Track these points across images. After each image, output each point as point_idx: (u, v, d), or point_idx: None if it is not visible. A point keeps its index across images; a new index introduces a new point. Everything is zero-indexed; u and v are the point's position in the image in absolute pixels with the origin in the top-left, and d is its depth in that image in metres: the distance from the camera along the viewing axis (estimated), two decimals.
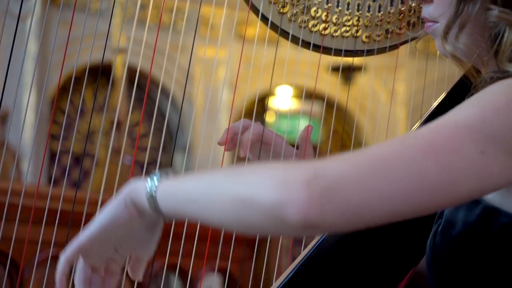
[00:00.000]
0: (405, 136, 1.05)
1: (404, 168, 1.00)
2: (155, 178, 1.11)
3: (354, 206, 0.97)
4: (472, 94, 1.18)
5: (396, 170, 1.00)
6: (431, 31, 1.33)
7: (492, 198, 1.19)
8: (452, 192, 1.02)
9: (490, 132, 1.04)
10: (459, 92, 1.51)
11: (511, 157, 1.05)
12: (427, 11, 1.33)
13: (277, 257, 2.72)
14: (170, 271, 3.50)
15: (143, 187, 1.12)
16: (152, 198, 1.11)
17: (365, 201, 0.98)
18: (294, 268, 1.55)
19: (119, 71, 7.71)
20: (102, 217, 1.17)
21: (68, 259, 1.19)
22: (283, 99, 10.11)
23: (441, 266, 1.25)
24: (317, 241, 1.55)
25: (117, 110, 2.62)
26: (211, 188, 1.04)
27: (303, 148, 1.63)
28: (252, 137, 1.58)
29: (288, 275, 1.55)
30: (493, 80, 1.19)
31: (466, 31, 1.26)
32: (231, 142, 1.58)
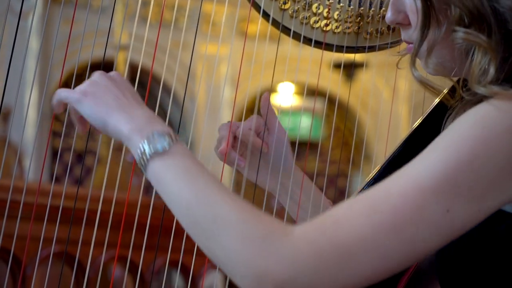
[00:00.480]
0: (369, 208, 1.06)
1: (367, 257, 1.03)
2: (164, 143, 1.11)
3: None
4: (449, 115, 1.23)
5: (361, 260, 1.03)
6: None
7: None
8: (416, 254, 1.06)
9: (455, 189, 1.05)
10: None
11: (480, 201, 1.07)
12: (407, 34, 1.31)
13: None
14: (172, 268, 3.51)
15: (138, 142, 1.12)
16: (143, 161, 1.12)
17: None
18: None
19: (121, 68, 7.72)
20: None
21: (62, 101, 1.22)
22: (285, 96, 10.11)
23: (447, 266, 1.26)
24: None
25: None
26: (195, 205, 1.08)
27: (268, 116, 1.60)
28: (255, 124, 1.55)
29: None
30: (465, 104, 1.19)
31: (436, 54, 1.24)
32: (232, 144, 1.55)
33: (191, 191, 1.08)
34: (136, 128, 1.14)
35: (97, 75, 1.22)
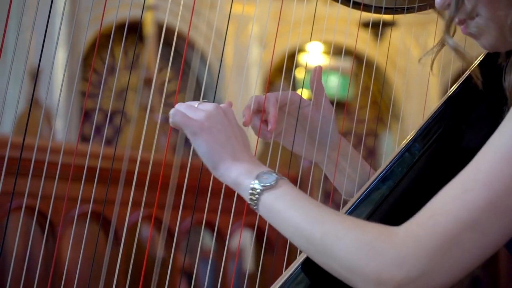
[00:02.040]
0: (460, 191, 1.09)
1: (471, 238, 1.07)
2: (270, 180, 1.24)
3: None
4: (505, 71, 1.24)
5: (465, 243, 1.07)
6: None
7: None
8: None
9: None
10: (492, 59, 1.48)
11: None
12: (475, 23, 1.28)
13: None
14: (200, 227, 3.54)
15: (248, 183, 1.24)
16: (254, 197, 1.23)
17: (444, 281, 1.09)
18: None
19: (148, 29, 7.71)
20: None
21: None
22: (314, 56, 10.06)
23: None
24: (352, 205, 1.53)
25: (148, 68, 2.62)
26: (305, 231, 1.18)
27: (316, 92, 1.58)
28: (281, 98, 1.54)
29: None
30: None
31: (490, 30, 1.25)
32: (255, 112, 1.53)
33: (299, 214, 1.19)
34: (244, 172, 1.26)
35: (213, 107, 1.30)
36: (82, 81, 8.58)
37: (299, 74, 9.01)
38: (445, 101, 1.55)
